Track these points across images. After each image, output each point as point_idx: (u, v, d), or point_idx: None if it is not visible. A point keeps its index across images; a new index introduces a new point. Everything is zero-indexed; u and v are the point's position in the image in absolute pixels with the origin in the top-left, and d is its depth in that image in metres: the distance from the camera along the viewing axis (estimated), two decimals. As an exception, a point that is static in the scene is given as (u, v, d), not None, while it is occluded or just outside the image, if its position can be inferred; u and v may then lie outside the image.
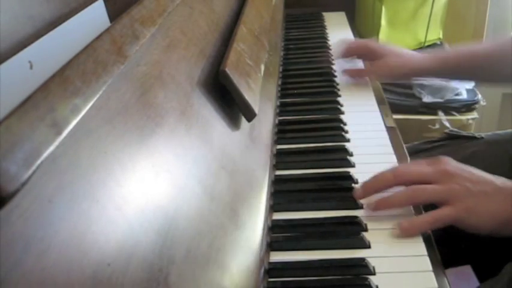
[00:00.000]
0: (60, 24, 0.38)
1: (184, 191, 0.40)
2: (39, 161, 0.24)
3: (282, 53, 1.09)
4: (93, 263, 0.27)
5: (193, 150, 0.45)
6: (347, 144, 0.74)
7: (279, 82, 0.94)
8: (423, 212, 0.60)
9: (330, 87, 0.93)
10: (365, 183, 0.60)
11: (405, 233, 0.55)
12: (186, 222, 0.38)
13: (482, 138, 0.89)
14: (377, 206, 0.58)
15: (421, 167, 0.59)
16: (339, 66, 1.01)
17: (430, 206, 0.67)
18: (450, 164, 0.58)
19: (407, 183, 0.58)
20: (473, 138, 0.90)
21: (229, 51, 0.58)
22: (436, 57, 0.89)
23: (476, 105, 1.36)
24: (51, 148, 0.25)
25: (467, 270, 0.84)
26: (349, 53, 1.00)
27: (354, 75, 0.96)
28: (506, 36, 0.87)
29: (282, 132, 0.79)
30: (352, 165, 0.69)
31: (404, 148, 0.75)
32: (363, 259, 0.52)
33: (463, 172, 0.57)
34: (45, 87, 0.27)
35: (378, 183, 0.59)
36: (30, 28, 0.35)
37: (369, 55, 0.96)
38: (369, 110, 0.85)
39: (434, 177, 0.57)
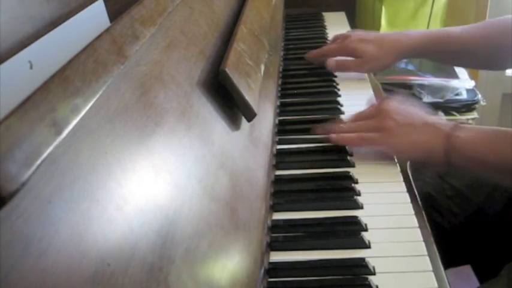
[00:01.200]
0: (60, 24, 0.38)
1: (184, 191, 0.40)
2: (39, 161, 0.24)
3: (282, 53, 1.09)
4: (93, 263, 0.27)
5: (193, 150, 0.45)
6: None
7: (279, 82, 0.94)
8: (423, 213, 0.60)
9: (330, 87, 0.93)
10: (327, 126, 0.73)
11: (332, 141, 0.70)
12: (186, 222, 0.38)
13: None
14: (337, 140, 0.70)
15: (369, 122, 0.70)
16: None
17: (429, 199, 0.71)
18: (388, 103, 0.70)
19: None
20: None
21: (229, 51, 0.58)
22: (408, 44, 0.91)
23: (476, 105, 1.36)
24: (51, 148, 0.25)
25: (467, 270, 0.84)
26: (328, 56, 0.99)
27: (338, 67, 0.97)
28: (488, 22, 0.90)
29: (282, 132, 0.79)
30: (352, 165, 0.69)
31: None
32: (363, 259, 0.52)
33: (397, 108, 0.68)
34: (45, 87, 0.27)
35: (340, 128, 0.72)
36: (30, 28, 0.35)
37: (349, 56, 0.97)
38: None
39: (373, 113, 0.70)
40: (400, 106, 0.69)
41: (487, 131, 0.63)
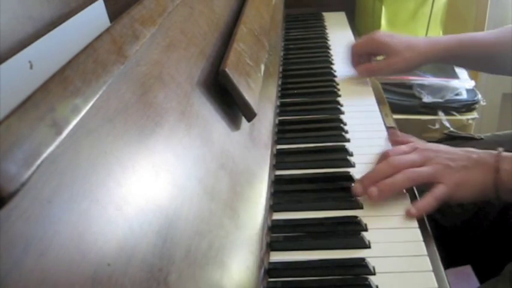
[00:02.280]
0: (60, 24, 0.38)
1: (184, 191, 0.40)
2: (39, 161, 0.24)
3: (282, 53, 1.09)
4: (93, 263, 0.27)
5: (193, 150, 0.44)
6: (347, 144, 0.74)
7: (279, 82, 0.94)
8: (417, 195, 0.61)
9: (330, 87, 0.93)
10: (364, 179, 0.63)
11: (414, 217, 0.60)
12: (186, 222, 0.38)
13: (481, 139, 0.89)
14: (381, 192, 0.61)
15: (409, 155, 0.65)
16: (341, 66, 1.00)
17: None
18: (426, 146, 0.67)
19: (399, 170, 0.64)
20: (473, 139, 0.90)
21: (229, 51, 0.58)
22: (437, 47, 0.89)
23: (476, 105, 1.36)
24: (51, 148, 0.25)
25: (467, 270, 0.84)
26: (357, 54, 0.97)
27: (364, 72, 0.95)
28: (508, 28, 0.88)
29: (282, 132, 0.79)
30: (352, 165, 0.69)
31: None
32: (363, 259, 0.52)
33: (440, 152, 0.65)
34: (45, 87, 0.27)
35: (378, 176, 0.63)
36: (30, 28, 0.35)
37: (377, 51, 0.95)
38: (369, 110, 0.85)
39: (421, 160, 0.64)
40: (439, 148, 0.66)
41: None
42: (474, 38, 0.88)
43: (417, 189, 0.65)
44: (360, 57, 0.96)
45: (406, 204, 0.61)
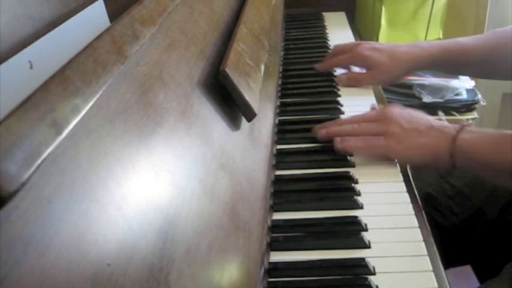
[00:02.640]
0: (60, 24, 0.38)
1: (184, 191, 0.40)
2: (39, 161, 0.24)
3: (282, 53, 1.09)
4: (93, 264, 0.27)
5: (193, 150, 0.45)
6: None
7: (279, 82, 0.94)
8: (423, 213, 0.60)
9: (330, 87, 0.93)
10: (329, 129, 0.72)
11: (336, 147, 0.69)
12: (186, 222, 0.38)
13: None
14: (329, 133, 0.71)
15: (368, 113, 0.72)
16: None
17: (429, 199, 0.71)
18: (392, 109, 0.69)
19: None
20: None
21: (229, 51, 0.58)
22: (421, 56, 0.88)
23: (476, 105, 1.36)
24: (51, 148, 0.25)
25: (467, 270, 0.84)
26: (336, 65, 0.98)
27: (350, 81, 0.94)
28: (497, 32, 0.88)
29: (282, 132, 0.79)
30: (352, 165, 0.69)
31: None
32: (363, 259, 0.52)
33: (402, 113, 0.68)
34: (45, 87, 0.27)
35: (340, 132, 0.71)
36: (30, 28, 0.35)
37: (359, 65, 0.95)
38: (369, 110, 0.85)
39: (377, 118, 0.69)
40: (404, 111, 0.69)
41: (492, 133, 0.63)
42: (458, 43, 0.88)
43: (416, 188, 0.65)
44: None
45: (406, 204, 0.61)
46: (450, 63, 0.89)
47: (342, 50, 0.96)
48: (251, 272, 0.46)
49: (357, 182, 0.65)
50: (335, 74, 0.99)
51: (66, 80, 0.29)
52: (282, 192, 0.64)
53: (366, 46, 0.91)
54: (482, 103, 1.37)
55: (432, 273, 0.51)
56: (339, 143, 0.69)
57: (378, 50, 0.90)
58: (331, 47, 1.12)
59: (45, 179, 0.25)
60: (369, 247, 0.55)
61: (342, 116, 0.82)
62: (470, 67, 0.91)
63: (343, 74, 0.95)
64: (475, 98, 1.36)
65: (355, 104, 0.87)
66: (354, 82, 0.93)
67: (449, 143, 0.62)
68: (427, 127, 0.65)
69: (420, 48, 0.89)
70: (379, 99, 0.89)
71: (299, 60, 1.07)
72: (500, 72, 0.89)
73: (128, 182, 0.33)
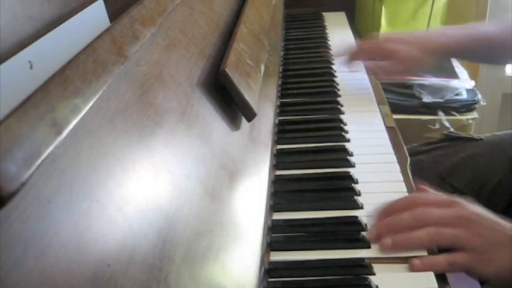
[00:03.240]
0: (60, 24, 0.38)
1: (184, 191, 0.40)
2: (39, 161, 0.24)
3: (282, 53, 1.09)
4: (93, 264, 0.27)
5: (193, 150, 0.44)
6: (347, 144, 0.74)
7: (279, 82, 0.94)
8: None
9: (330, 87, 0.93)
10: (381, 226, 0.58)
11: (415, 270, 0.53)
12: (186, 222, 0.38)
13: (481, 139, 0.89)
14: (395, 246, 0.55)
15: (439, 209, 0.57)
16: (338, 64, 1.00)
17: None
18: (466, 208, 0.57)
19: (424, 225, 0.56)
20: (472, 139, 0.90)
21: (229, 51, 0.58)
22: (453, 44, 0.87)
23: (476, 105, 1.36)
24: (51, 148, 0.25)
25: (467, 270, 0.83)
26: (360, 56, 0.96)
27: (379, 72, 0.93)
28: (508, 19, 0.88)
29: (282, 132, 0.79)
30: (352, 165, 0.69)
31: (405, 148, 0.75)
32: (362, 259, 0.52)
33: (478, 218, 0.56)
34: (45, 87, 0.27)
35: (396, 226, 0.57)
36: (30, 28, 0.35)
37: (379, 56, 0.93)
38: (369, 110, 0.85)
39: (451, 221, 0.56)
40: (479, 213, 0.57)
41: None
42: (484, 33, 0.87)
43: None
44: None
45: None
46: (476, 52, 0.89)
47: (367, 43, 0.97)
48: (251, 272, 0.46)
49: (357, 182, 0.65)
50: (335, 73, 0.99)
51: (66, 80, 0.29)
52: (282, 192, 0.64)
53: (391, 37, 0.90)
54: (482, 103, 1.37)
55: (432, 273, 0.51)
56: (418, 265, 0.54)
57: (404, 42, 0.88)
58: (331, 47, 1.12)
59: (45, 179, 0.25)
60: (369, 247, 0.55)
61: (342, 116, 0.82)
62: (505, 56, 0.90)
63: (373, 64, 0.93)
64: (475, 98, 1.36)
65: (355, 104, 0.87)
66: (384, 73, 0.91)
67: None
68: (506, 237, 0.55)
69: (447, 36, 0.87)
70: (379, 99, 0.89)
71: (299, 60, 1.07)
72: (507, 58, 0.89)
73: (128, 182, 0.33)
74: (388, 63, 0.89)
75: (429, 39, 0.88)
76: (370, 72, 0.95)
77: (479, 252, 0.54)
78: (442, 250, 0.57)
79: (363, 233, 0.56)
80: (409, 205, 0.58)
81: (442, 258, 0.54)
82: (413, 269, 0.53)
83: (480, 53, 0.91)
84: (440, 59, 0.96)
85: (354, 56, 0.95)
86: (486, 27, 0.89)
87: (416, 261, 0.53)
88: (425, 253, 0.54)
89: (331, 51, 1.10)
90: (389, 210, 0.59)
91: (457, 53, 0.91)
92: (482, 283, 0.75)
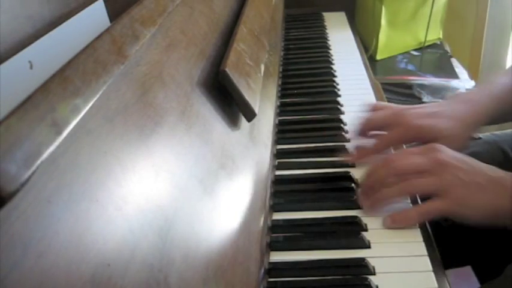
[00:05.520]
0: (60, 24, 0.38)
1: (184, 191, 0.40)
2: (39, 161, 0.24)
3: (282, 53, 1.09)
4: (93, 264, 0.27)
5: (193, 150, 0.44)
6: (347, 144, 0.74)
7: (279, 82, 0.94)
8: (417, 195, 0.59)
9: (330, 87, 0.93)
10: (363, 187, 0.62)
11: (396, 225, 0.56)
12: (186, 222, 0.38)
13: (479, 138, 0.89)
14: (373, 203, 0.59)
15: (415, 158, 0.58)
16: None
17: (428, 199, 0.64)
18: (444, 152, 0.57)
19: (400, 176, 0.58)
20: (471, 138, 0.90)
21: (229, 51, 0.58)
22: (483, 111, 0.70)
23: (476, 105, 1.36)
24: (51, 148, 0.25)
25: (467, 270, 0.84)
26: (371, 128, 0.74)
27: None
28: None
29: (282, 132, 0.79)
30: (352, 165, 0.69)
31: (404, 148, 0.74)
32: (363, 259, 0.52)
33: (456, 161, 0.56)
34: (45, 87, 0.27)
35: (373, 182, 0.60)
36: (30, 28, 0.35)
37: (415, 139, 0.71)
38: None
39: (427, 167, 0.56)
40: (458, 157, 0.57)
41: None
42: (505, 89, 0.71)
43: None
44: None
45: (406, 204, 0.61)
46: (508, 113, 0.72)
47: (381, 122, 0.72)
48: (251, 272, 0.46)
49: (356, 182, 0.65)
50: (335, 73, 0.99)
51: (66, 80, 0.29)
52: (282, 192, 0.64)
53: (413, 113, 0.68)
54: (482, 103, 1.37)
55: (432, 273, 0.51)
56: (389, 221, 0.56)
57: (433, 115, 0.68)
58: (331, 47, 1.12)
59: (45, 179, 0.25)
60: (369, 247, 0.55)
61: (342, 116, 0.82)
62: None
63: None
64: (475, 98, 1.36)
65: (356, 104, 0.87)
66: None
67: (510, 199, 0.53)
68: (487, 180, 0.54)
69: (475, 104, 0.70)
70: (379, 99, 0.89)
71: (299, 60, 1.07)
72: None
73: (128, 182, 0.33)
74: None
75: (460, 111, 0.69)
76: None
77: (454, 194, 0.54)
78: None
79: (363, 233, 0.56)
80: (386, 160, 0.59)
81: (412, 210, 0.56)
82: (385, 225, 0.55)
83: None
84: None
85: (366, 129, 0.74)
86: (505, 82, 0.73)
87: (387, 219, 0.56)
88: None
89: (331, 51, 1.10)
90: (367, 127, 0.65)
91: (490, 120, 0.71)
92: (482, 283, 0.75)
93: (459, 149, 0.63)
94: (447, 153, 0.57)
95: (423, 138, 0.66)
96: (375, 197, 0.58)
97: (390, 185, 0.58)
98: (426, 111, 0.68)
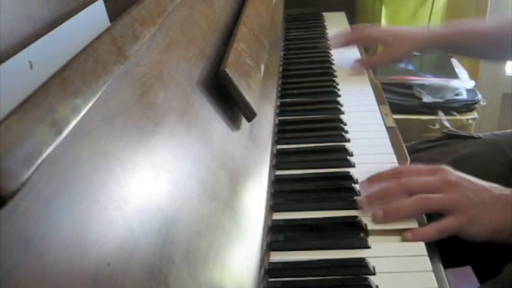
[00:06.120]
0: (60, 24, 0.38)
1: (184, 191, 0.40)
2: (39, 161, 0.24)
3: (282, 53, 1.09)
4: (93, 263, 0.27)
5: (193, 150, 0.44)
6: (347, 144, 0.74)
7: (279, 82, 0.94)
8: (425, 218, 0.60)
9: (330, 87, 0.93)
10: (370, 196, 0.61)
11: (415, 240, 0.56)
12: (186, 222, 0.38)
13: (480, 138, 0.89)
14: (386, 216, 0.58)
15: (424, 177, 0.61)
16: (336, 55, 1.07)
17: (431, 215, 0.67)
18: (451, 173, 0.61)
19: (410, 192, 0.60)
20: (471, 138, 0.91)
21: (229, 51, 0.58)
22: (434, 35, 0.95)
23: (476, 105, 1.36)
24: (51, 148, 0.25)
25: (467, 270, 0.84)
26: (350, 43, 1.06)
27: (363, 65, 1.02)
28: (507, 17, 0.91)
29: (282, 132, 0.79)
30: (352, 165, 0.69)
31: (405, 148, 0.75)
32: (363, 259, 0.52)
33: (464, 181, 0.59)
34: (45, 87, 0.27)
35: (383, 194, 0.60)
36: (30, 28, 0.35)
37: (370, 44, 1.07)
38: (369, 110, 0.85)
39: (437, 186, 0.59)
40: (465, 177, 0.60)
41: None
42: (472, 27, 0.93)
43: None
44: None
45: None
46: (462, 45, 0.94)
47: (358, 28, 1.08)
48: (251, 272, 0.46)
49: (356, 182, 0.65)
50: (335, 73, 0.99)
51: (66, 80, 0.29)
52: (282, 192, 0.64)
53: (378, 29, 1.03)
54: (482, 103, 1.37)
55: (432, 273, 0.51)
56: (409, 237, 0.57)
57: (392, 29, 1.00)
58: (331, 47, 1.12)
59: (46, 179, 0.25)
60: (369, 247, 0.55)
61: (342, 116, 0.82)
62: (480, 48, 0.95)
63: (359, 60, 1.04)
64: (475, 98, 1.36)
65: (355, 104, 0.87)
66: (371, 64, 1.03)
67: None
68: (491, 198, 0.58)
69: (434, 30, 0.96)
70: (379, 99, 0.89)
71: (299, 60, 1.07)
72: (506, 54, 0.94)
73: (128, 182, 0.33)
74: (377, 55, 1.04)
75: (415, 32, 0.96)
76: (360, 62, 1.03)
77: (466, 212, 0.57)
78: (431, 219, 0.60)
79: (363, 233, 0.56)
80: (395, 174, 0.62)
81: (431, 227, 0.57)
82: (405, 240, 0.56)
83: (464, 46, 0.96)
84: (423, 49, 1.11)
85: (346, 41, 1.05)
86: (478, 24, 0.95)
87: (408, 234, 0.56)
88: (416, 224, 0.58)
89: (331, 51, 1.10)
90: (376, 178, 0.63)
91: (440, 43, 0.96)
92: (481, 282, 0.75)
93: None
94: (454, 174, 0.61)
95: (379, 43, 1.07)
96: (391, 207, 0.59)
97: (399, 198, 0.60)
98: (389, 27, 1.08)
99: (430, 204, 0.58)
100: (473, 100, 1.36)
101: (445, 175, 0.60)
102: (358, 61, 1.04)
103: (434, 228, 0.57)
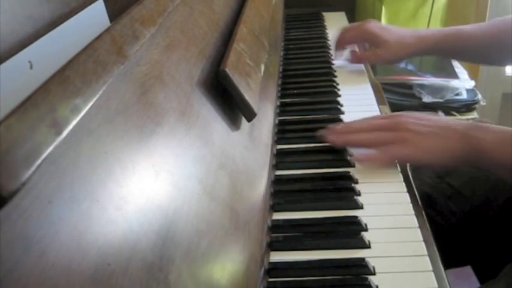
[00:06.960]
0: (60, 24, 0.38)
1: (184, 191, 0.40)
2: (39, 161, 0.24)
3: (282, 53, 1.09)
4: (93, 263, 0.27)
5: (193, 150, 0.45)
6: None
7: (279, 82, 0.94)
8: (423, 213, 0.60)
9: (330, 87, 0.93)
10: (341, 137, 0.70)
11: (359, 162, 0.67)
12: (186, 222, 0.38)
13: None
14: (344, 139, 0.70)
15: (381, 119, 0.70)
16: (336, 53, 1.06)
17: (427, 199, 0.72)
18: (406, 114, 0.68)
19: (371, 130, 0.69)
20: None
21: (229, 51, 0.58)
22: (424, 40, 0.94)
23: (476, 105, 1.36)
24: (51, 148, 0.25)
25: (467, 270, 0.84)
26: (346, 43, 1.04)
27: (357, 60, 1.02)
28: (496, 21, 0.93)
29: (282, 132, 0.79)
30: (352, 165, 0.69)
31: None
32: (362, 259, 0.52)
33: (416, 118, 0.66)
34: (45, 87, 0.27)
35: (349, 129, 0.71)
36: (30, 28, 0.35)
37: (367, 41, 1.02)
38: (369, 110, 0.85)
39: (391, 125, 0.67)
40: (417, 115, 0.68)
41: (505, 131, 0.62)
42: (460, 30, 0.93)
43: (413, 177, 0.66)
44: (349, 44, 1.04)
45: (406, 204, 0.61)
46: (452, 49, 0.94)
47: (350, 28, 1.03)
48: (251, 272, 0.46)
49: (356, 182, 0.65)
50: (335, 73, 0.99)
51: (66, 80, 0.29)
52: (282, 192, 0.64)
53: (375, 24, 0.97)
54: (482, 103, 1.37)
55: (432, 273, 0.51)
56: (363, 158, 0.68)
57: (385, 29, 0.95)
58: (331, 47, 1.12)
59: (46, 179, 0.25)
60: (369, 247, 0.55)
61: (342, 116, 0.82)
62: (471, 53, 0.95)
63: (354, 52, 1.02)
64: (475, 98, 1.36)
65: (355, 104, 0.87)
66: (360, 60, 1.00)
67: (461, 140, 0.62)
68: (442, 127, 0.64)
69: (425, 35, 0.94)
70: (379, 99, 0.89)
71: (299, 60, 1.07)
72: (498, 59, 0.95)
73: (128, 182, 0.33)
74: (369, 52, 1.00)
75: (411, 34, 0.95)
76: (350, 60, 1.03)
77: (413, 141, 0.64)
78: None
79: (363, 233, 0.56)
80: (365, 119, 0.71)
81: (381, 154, 0.66)
82: (356, 160, 0.67)
83: (457, 51, 0.97)
84: (416, 55, 1.09)
85: (341, 43, 1.03)
86: (467, 28, 0.94)
87: (360, 156, 0.67)
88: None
89: (331, 51, 1.10)
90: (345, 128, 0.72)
91: (433, 49, 0.95)
92: (482, 282, 0.75)
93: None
94: (409, 114, 0.68)
95: (370, 41, 0.98)
96: (349, 137, 0.70)
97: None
98: (382, 25, 0.98)
99: (386, 137, 0.66)
100: (473, 100, 1.36)
101: (399, 118, 0.68)
102: (353, 54, 1.02)
103: (384, 154, 0.66)
